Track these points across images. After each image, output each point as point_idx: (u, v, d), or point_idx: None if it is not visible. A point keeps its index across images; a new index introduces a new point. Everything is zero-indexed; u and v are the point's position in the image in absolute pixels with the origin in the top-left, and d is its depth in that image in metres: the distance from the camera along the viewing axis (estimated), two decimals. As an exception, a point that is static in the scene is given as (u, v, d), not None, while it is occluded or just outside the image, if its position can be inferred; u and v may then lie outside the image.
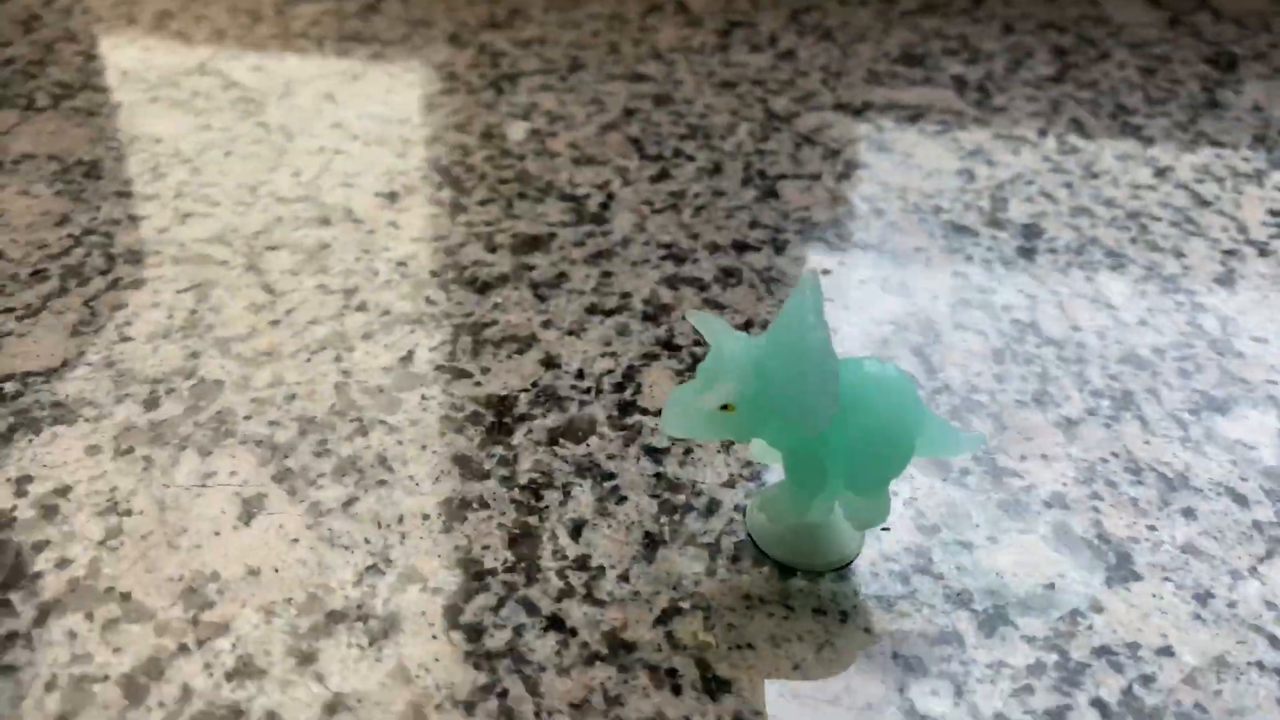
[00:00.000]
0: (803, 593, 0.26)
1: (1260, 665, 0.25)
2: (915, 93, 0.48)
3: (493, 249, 0.37)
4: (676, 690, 0.23)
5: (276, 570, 0.26)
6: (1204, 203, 0.42)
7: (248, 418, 0.30)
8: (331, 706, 0.23)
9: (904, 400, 0.24)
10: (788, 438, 0.24)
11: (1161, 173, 0.43)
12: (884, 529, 0.27)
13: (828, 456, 0.24)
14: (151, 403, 0.30)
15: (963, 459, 0.29)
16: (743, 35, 0.53)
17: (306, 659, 0.24)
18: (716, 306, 0.35)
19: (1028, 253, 0.38)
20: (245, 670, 0.23)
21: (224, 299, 0.34)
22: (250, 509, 0.27)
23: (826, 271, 0.36)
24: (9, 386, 0.31)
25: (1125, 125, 0.47)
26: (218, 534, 0.27)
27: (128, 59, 0.49)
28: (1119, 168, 0.43)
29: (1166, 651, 0.25)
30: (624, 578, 0.26)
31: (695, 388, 0.24)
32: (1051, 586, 0.26)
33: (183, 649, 0.24)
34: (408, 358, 0.32)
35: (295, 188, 0.40)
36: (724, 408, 0.24)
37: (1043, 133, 0.46)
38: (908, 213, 0.40)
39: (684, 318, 0.34)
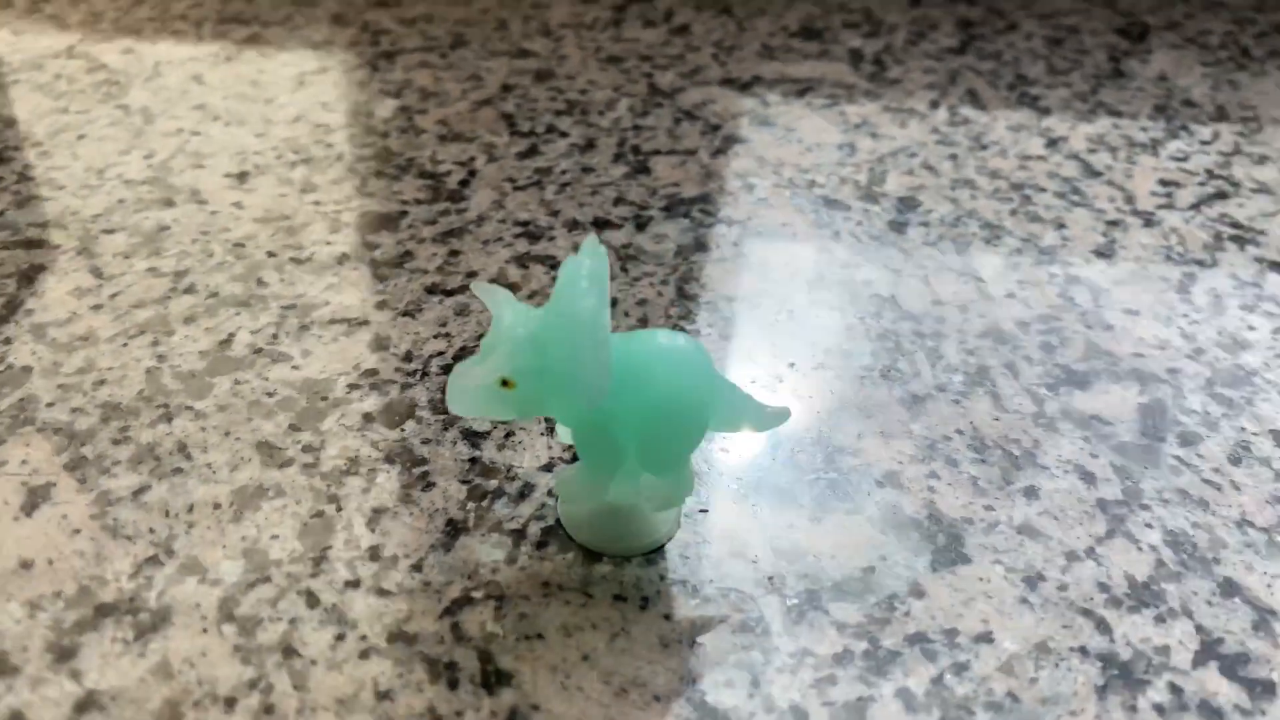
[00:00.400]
0: (605, 579, 0.24)
1: (1083, 651, 0.23)
2: (808, 66, 0.47)
3: (337, 229, 0.35)
4: (453, 684, 0.22)
5: (51, 562, 0.24)
6: (1094, 173, 0.40)
7: (50, 404, 0.28)
8: (83, 704, 0.22)
9: (697, 371, 0.23)
10: (573, 413, 0.23)
11: (1054, 143, 0.42)
12: (703, 510, 0.26)
13: (619, 433, 0.23)
14: (-49, 391, 0.29)
15: (798, 437, 0.28)
16: (638, 11, 0.51)
17: (65, 655, 0.22)
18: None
19: (899, 226, 0.37)
20: (-4, 669, 0.22)
21: (49, 283, 0.33)
22: (35, 499, 0.26)
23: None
24: None
25: (1023, 96, 0.45)
26: (-5, 526, 0.25)
27: (-3, 42, 0.47)
28: (1009, 139, 0.42)
29: (986, 638, 0.24)
30: (417, 567, 0.24)
31: (474, 362, 0.22)
32: (871, 570, 0.25)
33: (-67, 648, 0.23)
34: (227, 341, 0.31)
35: (144, 170, 0.38)
36: (505, 384, 0.22)
37: (935, 104, 0.44)
38: (780, 187, 0.38)
39: (521, 288, 0.32)
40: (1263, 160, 0.41)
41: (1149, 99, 0.45)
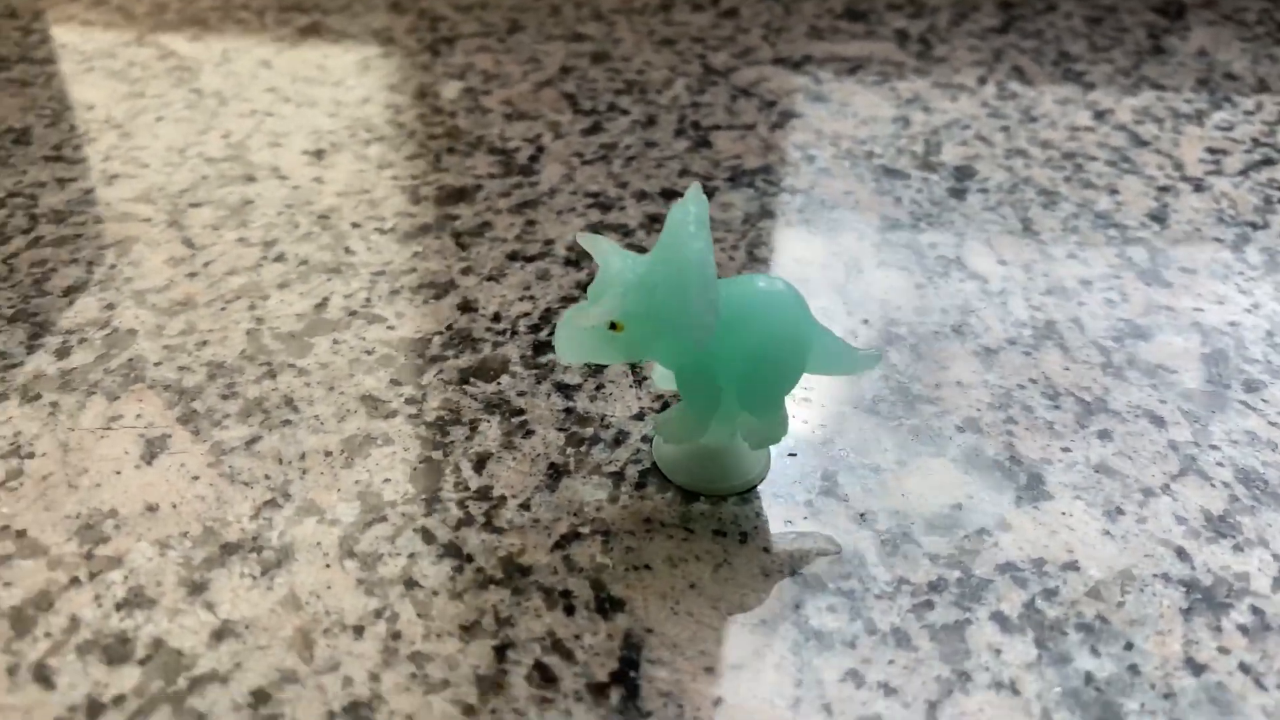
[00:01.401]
0: (704, 516, 0.25)
1: (1166, 577, 0.24)
2: (856, 46, 0.48)
3: (417, 201, 0.37)
4: (569, 610, 0.23)
5: (175, 506, 0.26)
6: (1142, 143, 0.41)
7: (158, 364, 0.30)
8: (219, 633, 0.23)
9: (794, 316, 0.24)
10: (677, 355, 0.24)
11: (1101, 115, 0.43)
12: (791, 454, 0.27)
13: (719, 374, 0.24)
14: (64, 352, 0.30)
15: (876, 388, 0.29)
16: (686, -4, 0.52)
17: (197, 589, 0.24)
18: (641, 251, 0.35)
19: (958, 193, 0.38)
20: (135, 601, 0.23)
21: (144, 254, 0.34)
22: (153, 449, 0.27)
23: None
24: (-80, 340, 0.31)
25: (1067, 72, 0.46)
26: (119, 473, 0.26)
27: (67, 34, 0.49)
28: (1058, 111, 0.43)
29: (1072, 566, 0.25)
30: (525, 506, 0.26)
31: (583, 307, 0.24)
32: (959, 507, 0.26)
33: (74, 582, 0.24)
34: (322, 305, 0.32)
35: (224, 149, 0.40)
36: (613, 327, 0.23)
37: (982, 80, 0.45)
38: (839, 158, 0.40)
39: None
40: (1307, 128, 0.42)
41: (1190, 73, 0.46)
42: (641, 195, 0.37)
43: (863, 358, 0.25)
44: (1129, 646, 0.23)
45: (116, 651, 0.22)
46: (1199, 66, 0.47)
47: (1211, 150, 0.41)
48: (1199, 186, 0.39)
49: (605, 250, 0.24)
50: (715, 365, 0.24)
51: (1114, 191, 0.38)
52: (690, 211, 0.23)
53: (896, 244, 0.35)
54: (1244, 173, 0.39)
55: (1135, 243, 0.35)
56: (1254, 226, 0.36)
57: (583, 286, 0.33)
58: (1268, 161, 0.40)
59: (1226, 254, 0.35)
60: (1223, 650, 0.23)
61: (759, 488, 0.26)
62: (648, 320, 0.23)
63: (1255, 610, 0.24)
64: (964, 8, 0.52)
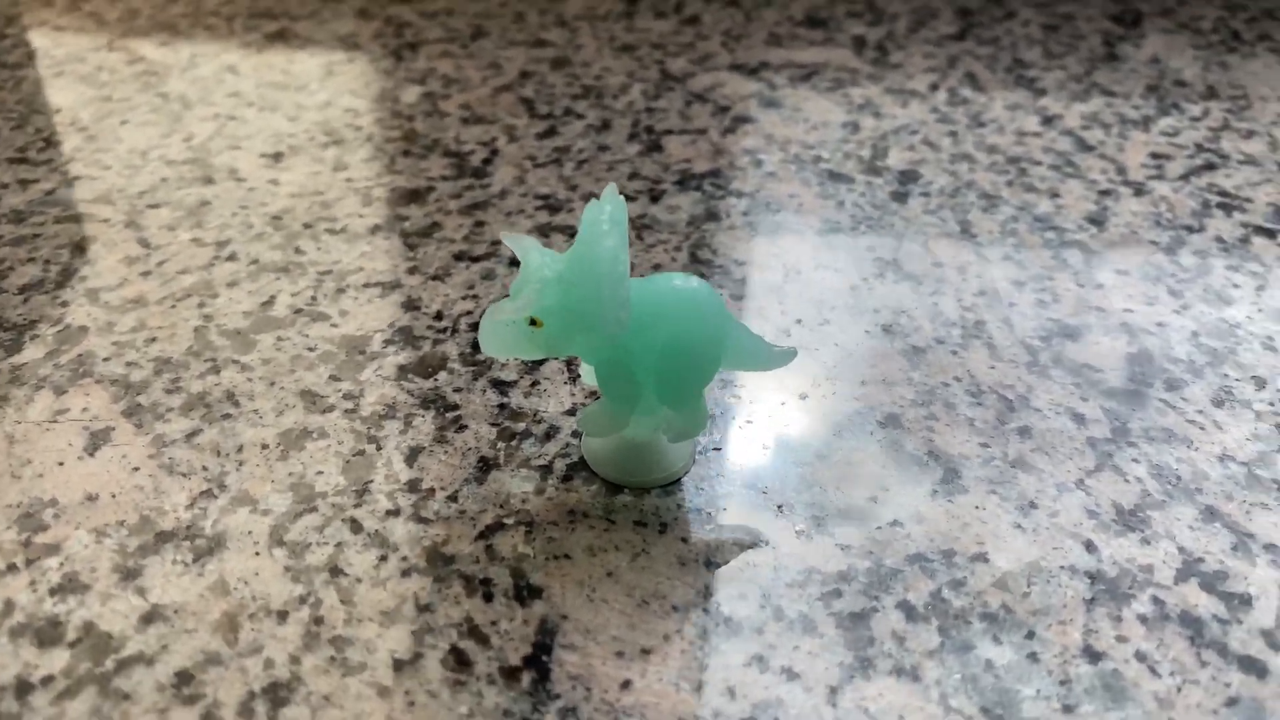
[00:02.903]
0: (626, 507, 0.26)
1: (1072, 569, 0.25)
2: (813, 52, 0.49)
3: (368, 203, 0.38)
4: (488, 598, 0.24)
5: (114, 496, 0.26)
6: (1087, 148, 0.42)
7: (106, 359, 0.31)
8: (149, 616, 0.23)
9: (709, 312, 0.25)
10: (595, 350, 0.25)
11: (1049, 120, 0.44)
12: (716, 448, 0.28)
13: (637, 369, 0.25)
14: (14, 347, 0.31)
15: (803, 384, 0.30)
16: (650, 2, 0.53)
17: (130, 575, 0.24)
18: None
19: (900, 197, 0.38)
20: (69, 586, 0.24)
21: (100, 253, 0.35)
22: (97, 441, 0.28)
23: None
24: (-124, 335, 0.31)
25: (1020, 78, 0.47)
26: (61, 464, 0.27)
27: (38, 39, 0.50)
28: (1006, 117, 0.44)
29: (981, 558, 0.25)
30: (452, 498, 0.26)
31: (504, 303, 0.24)
32: (874, 500, 0.27)
33: (11, 568, 0.25)
34: (269, 303, 0.33)
35: (185, 152, 0.41)
36: (533, 323, 0.24)
37: (934, 87, 0.46)
38: (787, 163, 0.40)
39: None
40: (1250, 135, 0.43)
41: (1141, 79, 0.47)
42: (590, 197, 0.38)
43: (778, 354, 0.26)
44: (1030, 635, 0.24)
45: (47, 634, 0.23)
46: (1150, 73, 0.48)
47: (1155, 155, 0.42)
48: (1139, 190, 0.39)
49: (526, 247, 0.25)
50: (633, 360, 0.25)
51: (1055, 195, 0.39)
52: (605, 210, 0.23)
53: (836, 246, 0.36)
54: (1184, 177, 0.40)
55: (1071, 245, 0.36)
56: (1189, 230, 0.37)
57: (525, 286, 0.34)
58: (1209, 167, 0.41)
59: (1160, 257, 0.36)
60: (1121, 639, 0.24)
61: (682, 480, 0.27)
62: (564, 316, 0.24)
63: (1156, 601, 0.24)
64: (923, 15, 0.53)
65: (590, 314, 0.24)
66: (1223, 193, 0.39)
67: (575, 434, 0.28)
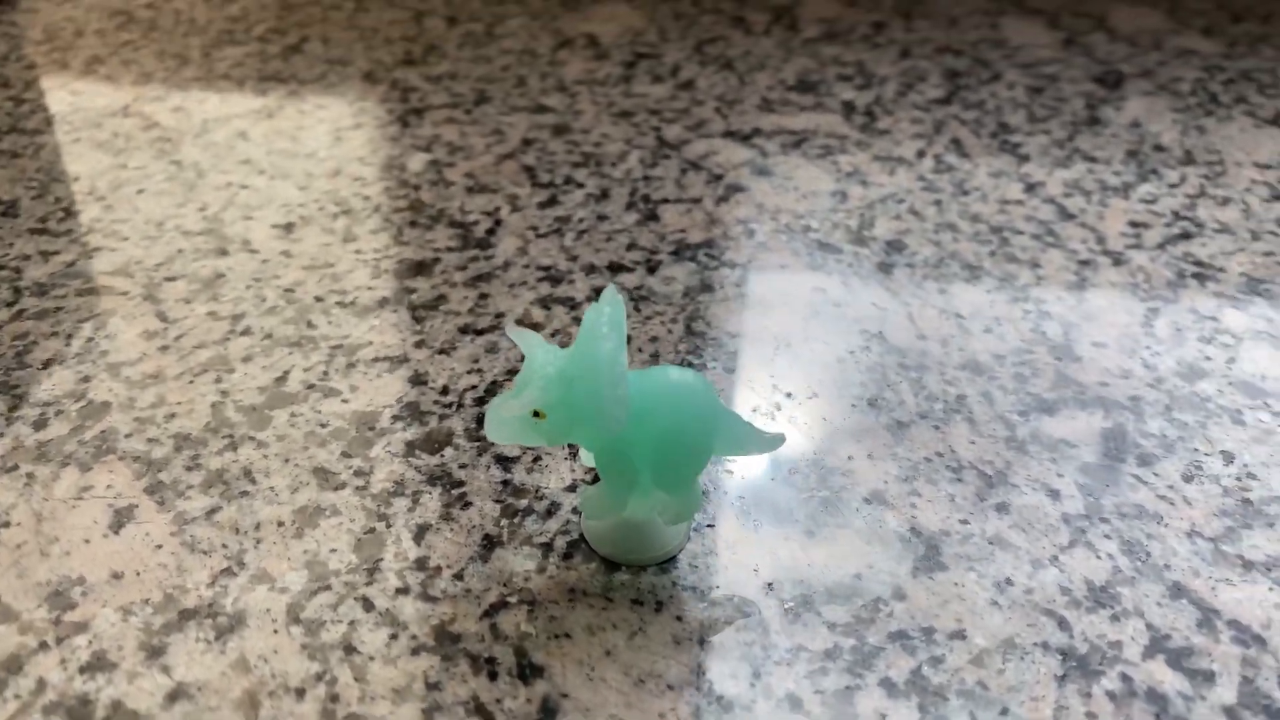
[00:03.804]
0: (624, 585, 0.28)
1: (1045, 645, 0.27)
2: (804, 118, 0.50)
3: (378, 274, 0.39)
4: (493, 676, 0.25)
5: (138, 573, 0.28)
6: (1068, 216, 0.44)
7: (129, 435, 0.32)
8: (174, 695, 0.25)
9: (702, 403, 0.26)
10: (595, 440, 0.26)
11: (1032, 188, 0.46)
12: (709, 525, 0.30)
13: (635, 456, 0.27)
14: (40, 423, 0.32)
15: (793, 461, 0.31)
16: (647, 66, 0.55)
17: (156, 653, 0.26)
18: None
19: (887, 268, 0.40)
20: (98, 664, 0.26)
21: (120, 327, 0.37)
22: (121, 519, 0.29)
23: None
24: (-92, 412, 0.33)
25: (1004, 143, 0.49)
26: (88, 542, 0.29)
27: (57, 102, 0.51)
28: (990, 184, 0.46)
29: (959, 635, 0.27)
30: (458, 576, 0.28)
31: (509, 396, 0.26)
32: (859, 577, 0.28)
33: (43, 646, 0.26)
34: (283, 378, 0.34)
35: (200, 221, 0.42)
36: (536, 414, 0.26)
37: (921, 154, 0.48)
38: (778, 232, 0.42)
39: (545, 327, 0.36)
40: (1225, 202, 0.45)
41: (1122, 144, 0.49)
42: (590, 269, 0.40)
43: (767, 439, 0.28)
44: (1004, 712, 0.25)
45: (78, 713, 0.24)
46: (1131, 138, 0.50)
47: (1134, 224, 0.43)
48: (1118, 260, 0.41)
49: (531, 344, 0.26)
50: (630, 448, 0.26)
51: (1036, 265, 0.41)
52: (604, 313, 0.25)
53: (824, 318, 0.37)
54: (1161, 246, 0.42)
55: (1049, 318, 0.38)
56: (1165, 300, 0.39)
57: (528, 360, 0.35)
58: (1184, 235, 0.43)
59: (1136, 328, 0.37)
60: (1090, 715, 0.25)
61: (677, 558, 0.29)
62: (566, 409, 0.26)
63: (1124, 678, 0.26)
64: (911, 77, 0.55)
65: (591, 409, 0.25)
66: (1198, 262, 0.41)
67: (576, 510, 0.30)
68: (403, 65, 0.55)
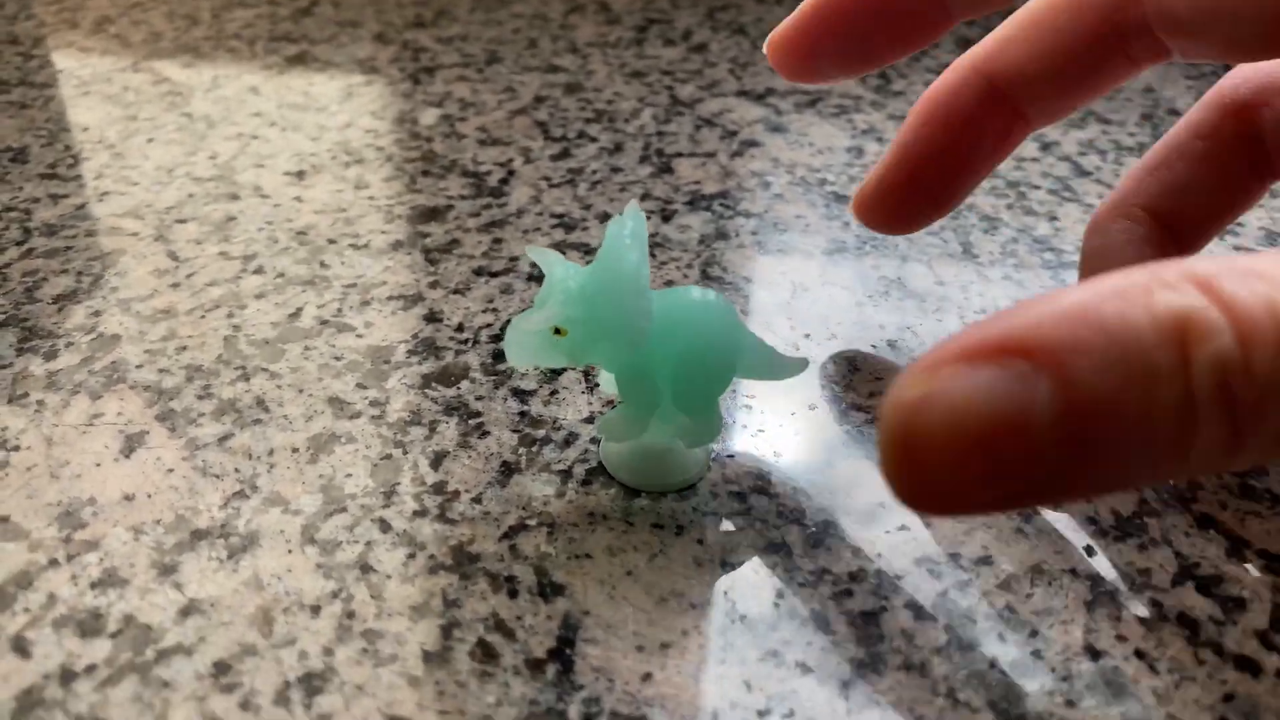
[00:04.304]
0: (644, 510, 0.27)
1: (1073, 572, 0.26)
2: (818, 80, 0.50)
3: (390, 220, 0.39)
4: (513, 594, 0.25)
5: (150, 496, 0.27)
6: (1084, 173, 0.43)
7: (139, 366, 0.32)
8: (186, 610, 0.24)
9: (724, 324, 0.26)
10: (616, 358, 0.26)
11: (1047, 147, 0.45)
12: (730, 455, 0.29)
13: (656, 376, 0.26)
14: (50, 354, 0.32)
15: (812, 396, 0.31)
16: (658, 31, 0.55)
17: (167, 570, 0.25)
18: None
19: (905, 218, 0.40)
20: (109, 580, 0.25)
21: (130, 265, 0.36)
22: (132, 444, 0.29)
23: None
24: (-85, 342, 0.32)
25: (1018, 107, 0.49)
26: (99, 465, 0.28)
27: (65, 60, 0.51)
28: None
29: (985, 561, 0.26)
30: (477, 500, 0.27)
31: (529, 314, 0.26)
32: (882, 505, 0.28)
33: (53, 563, 0.25)
34: (296, 314, 0.34)
35: (211, 169, 0.42)
36: (557, 332, 0.25)
37: (936, 113, 0.47)
38: (794, 185, 0.42)
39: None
40: (1241, 162, 0.45)
41: (1136, 108, 0.49)
42: (604, 217, 0.39)
43: (790, 363, 0.27)
44: (1034, 634, 0.25)
45: (89, 626, 0.24)
46: (1145, 103, 0.49)
47: (1149, 181, 0.43)
48: (1135, 215, 0.41)
49: (550, 261, 0.26)
50: (651, 368, 0.26)
51: (1053, 218, 0.40)
52: (627, 225, 0.25)
53: (842, 265, 0.37)
54: (1178, 203, 0.42)
55: (1069, 266, 0.37)
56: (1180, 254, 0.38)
57: (543, 300, 0.35)
58: (1202, 192, 0.42)
59: (1155, 278, 0.37)
60: (1120, 638, 0.25)
61: (697, 486, 0.28)
62: (587, 325, 0.25)
63: (1154, 603, 0.25)
64: (924, 45, 0.54)
65: (612, 323, 0.25)
66: (1215, 217, 0.41)
67: (594, 440, 0.29)
68: (414, 27, 0.54)
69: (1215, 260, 0.15)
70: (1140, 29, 0.27)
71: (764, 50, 0.30)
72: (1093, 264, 0.30)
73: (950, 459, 0.15)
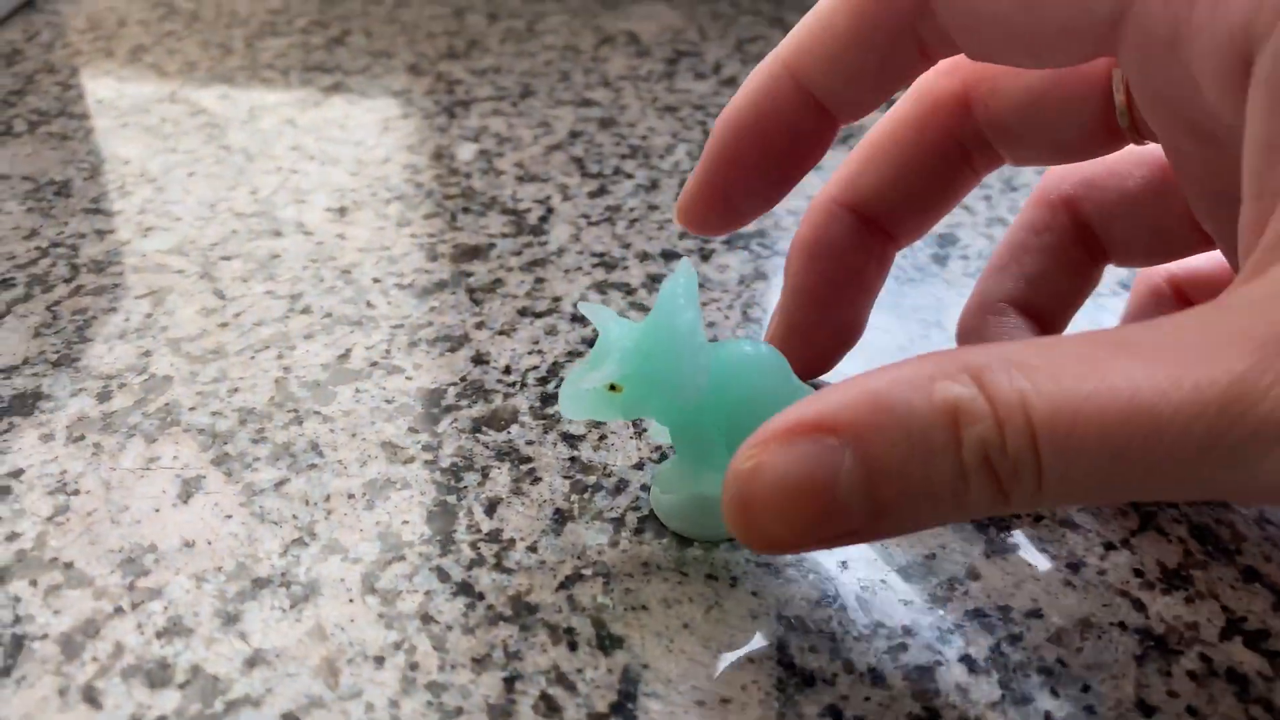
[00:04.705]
0: (697, 561, 0.28)
1: (1122, 625, 0.26)
2: (848, 115, 0.51)
3: (434, 258, 0.39)
4: (573, 646, 0.25)
5: (210, 543, 0.28)
6: (1115, 214, 0.44)
7: (192, 409, 0.32)
8: (252, 660, 0.25)
9: (778, 374, 0.26)
10: (671, 412, 0.26)
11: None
12: (779, 505, 0.29)
13: (710, 428, 0.27)
14: (104, 396, 0.32)
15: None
16: (689, 64, 0.55)
17: (231, 619, 0.26)
18: (642, 310, 0.37)
19: (941, 259, 0.40)
20: (174, 629, 0.25)
21: (178, 304, 0.37)
22: (189, 489, 0.29)
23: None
24: (-29, 382, 0.33)
25: (1047, 144, 0.49)
26: (158, 511, 0.29)
27: (103, 89, 0.52)
28: (1036, 181, 0.46)
29: (1035, 614, 0.27)
30: (532, 548, 0.28)
31: (584, 370, 0.26)
32: (932, 557, 0.28)
33: (118, 611, 0.26)
34: (345, 355, 0.34)
35: (252, 204, 0.42)
36: (612, 388, 0.26)
37: (967, 151, 0.48)
38: (830, 224, 0.42)
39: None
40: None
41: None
42: (644, 256, 0.40)
43: None
44: (1086, 689, 0.25)
45: (158, 676, 0.24)
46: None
47: (1180, 222, 0.43)
48: (1167, 257, 0.41)
49: (605, 318, 0.26)
50: (705, 420, 0.26)
51: (1087, 260, 0.41)
52: (680, 283, 0.25)
53: (881, 307, 0.37)
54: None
55: (1104, 310, 0.38)
56: (1217, 296, 0.39)
57: (587, 342, 0.35)
58: (1232, 234, 0.43)
59: (1190, 322, 0.37)
60: (1172, 694, 0.25)
61: (749, 535, 0.28)
62: (643, 382, 0.26)
63: (1204, 658, 0.26)
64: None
65: (669, 381, 0.25)
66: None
67: (644, 488, 0.30)
68: (446, 59, 0.55)
69: (988, 351, 0.19)
70: (978, 140, 0.30)
71: (675, 220, 0.32)
72: None
73: (776, 514, 0.20)
